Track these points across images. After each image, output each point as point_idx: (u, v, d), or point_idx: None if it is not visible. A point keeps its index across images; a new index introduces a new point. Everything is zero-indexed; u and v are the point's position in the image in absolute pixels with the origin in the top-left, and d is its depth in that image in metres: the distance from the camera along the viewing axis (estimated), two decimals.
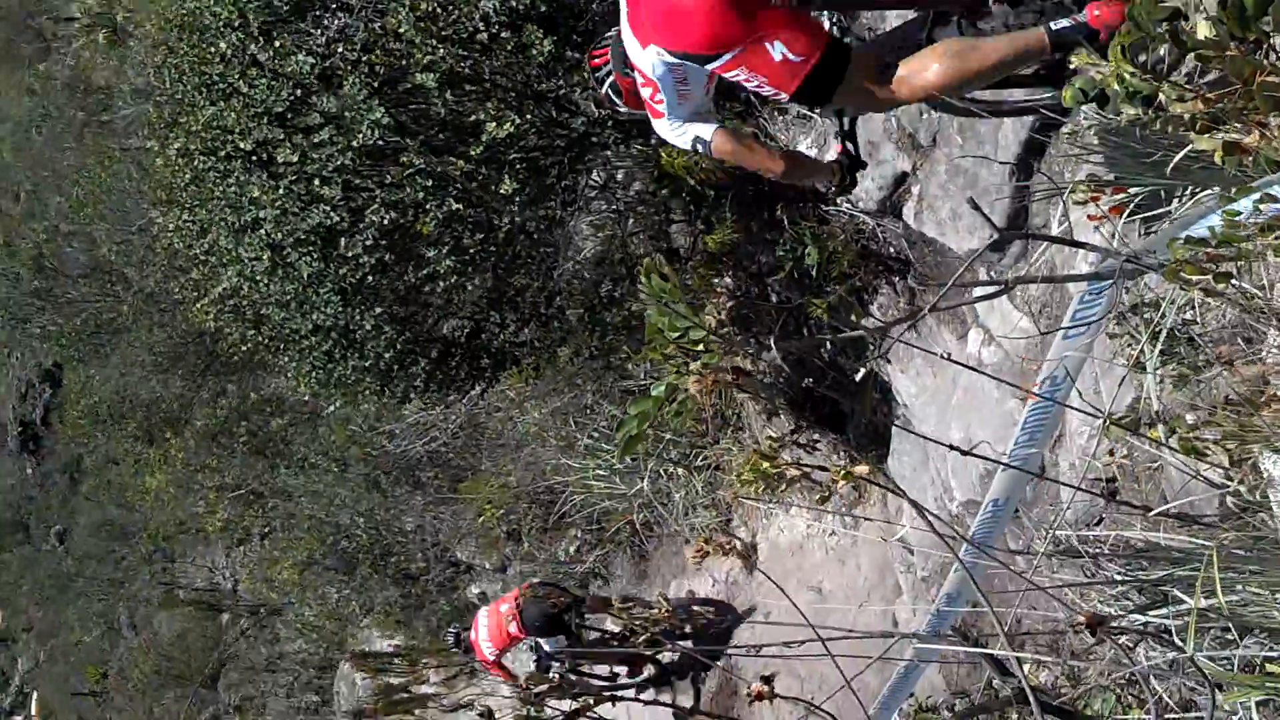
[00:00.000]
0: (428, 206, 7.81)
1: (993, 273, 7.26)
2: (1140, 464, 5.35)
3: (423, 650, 15.34)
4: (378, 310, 8.35)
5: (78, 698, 46.84)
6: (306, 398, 14.00)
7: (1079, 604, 4.77)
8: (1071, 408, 4.74)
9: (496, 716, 3.24)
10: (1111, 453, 5.44)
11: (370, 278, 8.16)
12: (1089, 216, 3.61)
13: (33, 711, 65.36)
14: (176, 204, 9.08)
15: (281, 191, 7.89)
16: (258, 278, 8.33)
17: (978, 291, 6.03)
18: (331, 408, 14.30)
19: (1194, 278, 3.21)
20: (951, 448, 3.91)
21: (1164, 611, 3.99)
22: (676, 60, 4.84)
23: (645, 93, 5.16)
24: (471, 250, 8.18)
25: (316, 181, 7.80)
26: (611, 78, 5.52)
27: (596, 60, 5.66)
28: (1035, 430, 4.88)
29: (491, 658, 10.79)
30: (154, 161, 10.48)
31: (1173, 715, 4.43)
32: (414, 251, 8.17)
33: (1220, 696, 3.66)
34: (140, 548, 32.89)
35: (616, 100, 5.74)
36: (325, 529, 16.03)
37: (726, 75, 4.88)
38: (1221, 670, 3.62)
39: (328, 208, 7.86)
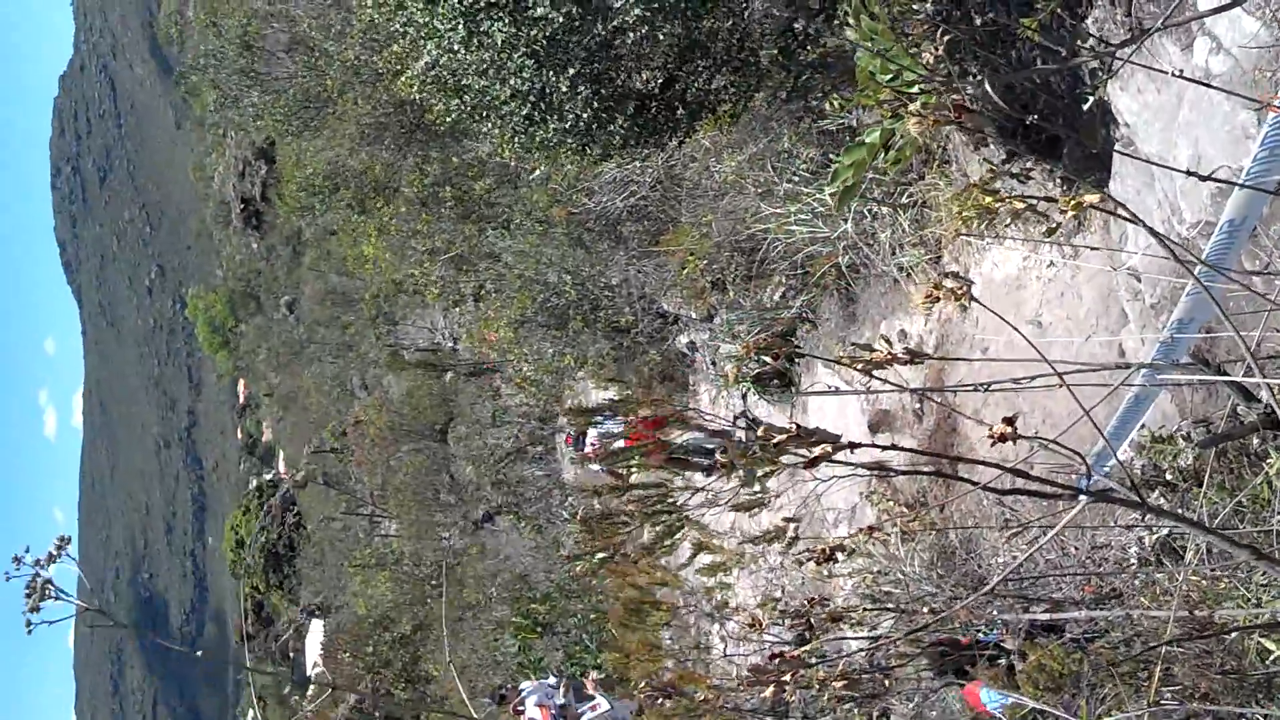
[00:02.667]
0: None
1: None
2: None
3: (633, 401, 15.83)
4: (571, 71, 8.25)
5: (320, 454, 50.47)
6: (510, 162, 14.11)
7: None
8: None
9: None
10: None
11: (560, 36, 8.04)
12: None
13: (281, 468, 70.84)
14: None
15: None
16: (455, 48, 8.31)
17: (1205, 4, 5.54)
18: (536, 172, 14.39)
19: None
20: (1188, 173, 3.67)
21: None
22: None
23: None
24: None
25: None
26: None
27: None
28: (1276, 144, 4.54)
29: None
30: None
31: None
32: (602, 4, 8.00)
33: None
34: (364, 312, 34.53)
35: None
36: (535, 287, 16.39)
37: None
38: None
39: None
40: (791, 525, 4.76)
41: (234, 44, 22.73)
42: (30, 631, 4.31)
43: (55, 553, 4.25)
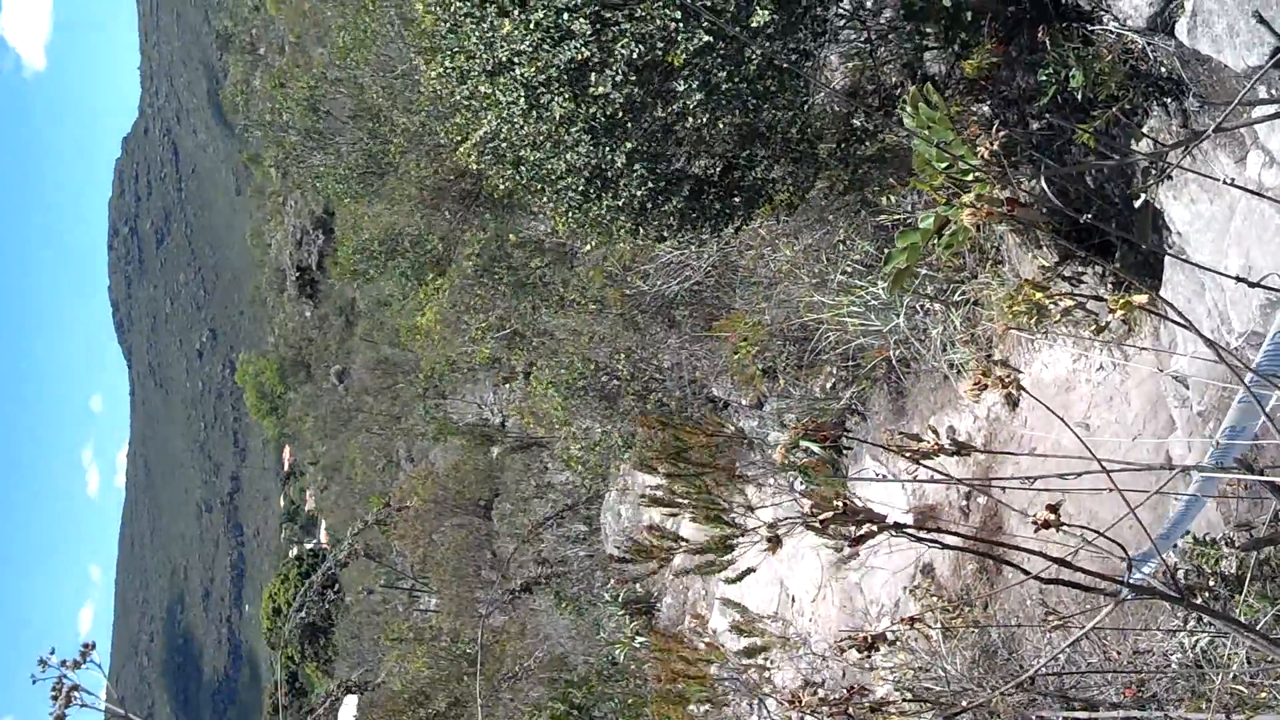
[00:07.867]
0: (677, 39, 7.81)
1: (1274, 91, 6.80)
2: None
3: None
4: (628, 146, 8.42)
5: (365, 530, 50.45)
6: (564, 239, 14.35)
7: None
8: None
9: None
10: None
11: (620, 115, 8.23)
12: None
13: (322, 538, 70.82)
14: (438, 51, 9.35)
15: (533, 26, 8.03)
16: (515, 119, 8.52)
17: (1260, 111, 5.62)
18: (589, 247, 14.60)
19: None
20: (1238, 279, 3.73)
21: None
22: None
23: None
24: (722, 86, 8.14)
25: (566, 15, 7.90)
26: None
27: None
28: None
29: None
30: (414, 6, 10.92)
31: None
32: (664, 88, 8.19)
33: None
34: (414, 385, 34.79)
35: None
36: (586, 365, 16.49)
37: None
38: None
39: (579, 43, 7.96)
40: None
41: (300, 105, 23.43)
42: None
43: (80, 659, 4.24)
